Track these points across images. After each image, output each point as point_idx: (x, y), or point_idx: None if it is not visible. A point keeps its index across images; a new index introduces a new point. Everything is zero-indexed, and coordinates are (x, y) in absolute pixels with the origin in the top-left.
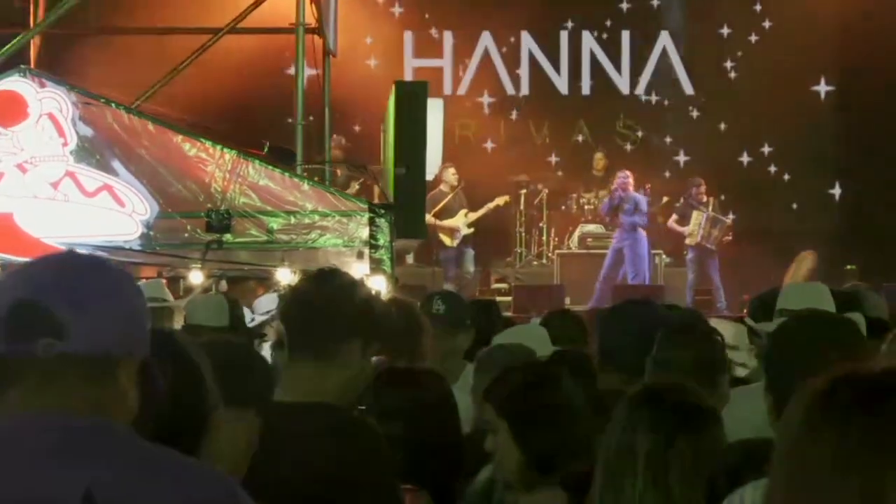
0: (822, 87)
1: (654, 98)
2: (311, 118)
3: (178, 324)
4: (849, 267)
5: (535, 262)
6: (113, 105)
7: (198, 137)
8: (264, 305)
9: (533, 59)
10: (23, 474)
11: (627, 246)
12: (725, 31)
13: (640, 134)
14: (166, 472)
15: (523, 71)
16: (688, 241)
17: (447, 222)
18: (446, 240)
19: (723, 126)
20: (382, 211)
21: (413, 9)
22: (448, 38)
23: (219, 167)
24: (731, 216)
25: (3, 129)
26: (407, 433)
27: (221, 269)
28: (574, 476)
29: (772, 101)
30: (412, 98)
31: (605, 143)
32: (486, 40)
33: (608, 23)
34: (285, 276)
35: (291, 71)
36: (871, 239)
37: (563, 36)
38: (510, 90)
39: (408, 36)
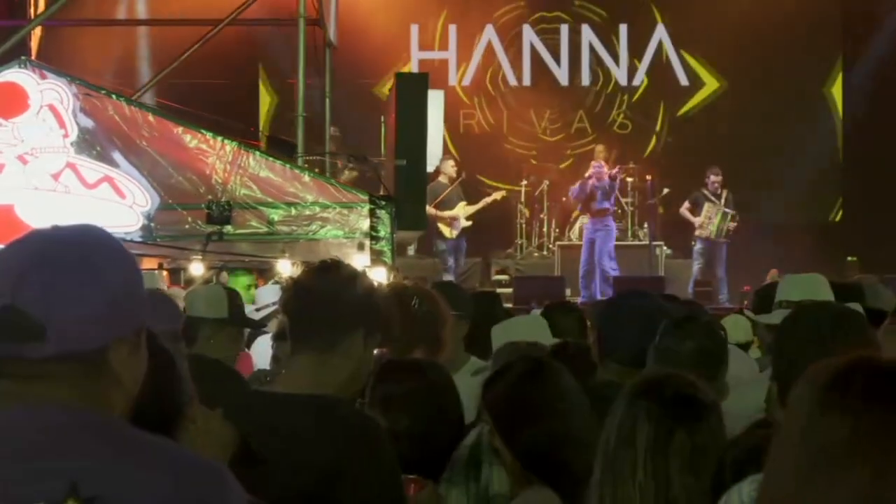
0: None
1: (650, 88)
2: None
3: None
4: (850, 259)
5: (535, 254)
6: (114, 96)
7: (198, 129)
8: (265, 296)
9: (534, 51)
10: (8, 469)
11: (600, 238)
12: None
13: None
14: (154, 461)
15: (525, 63)
16: (698, 232)
17: (448, 213)
18: (446, 231)
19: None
20: (383, 202)
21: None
22: (452, 31)
23: (219, 158)
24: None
25: (3, 121)
26: (409, 423)
27: (222, 261)
28: (566, 475)
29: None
30: (413, 89)
31: (604, 133)
32: (489, 33)
33: (605, 15)
34: (286, 268)
35: None
36: (870, 231)
37: (564, 29)
38: (512, 81)
39: (414, 29)
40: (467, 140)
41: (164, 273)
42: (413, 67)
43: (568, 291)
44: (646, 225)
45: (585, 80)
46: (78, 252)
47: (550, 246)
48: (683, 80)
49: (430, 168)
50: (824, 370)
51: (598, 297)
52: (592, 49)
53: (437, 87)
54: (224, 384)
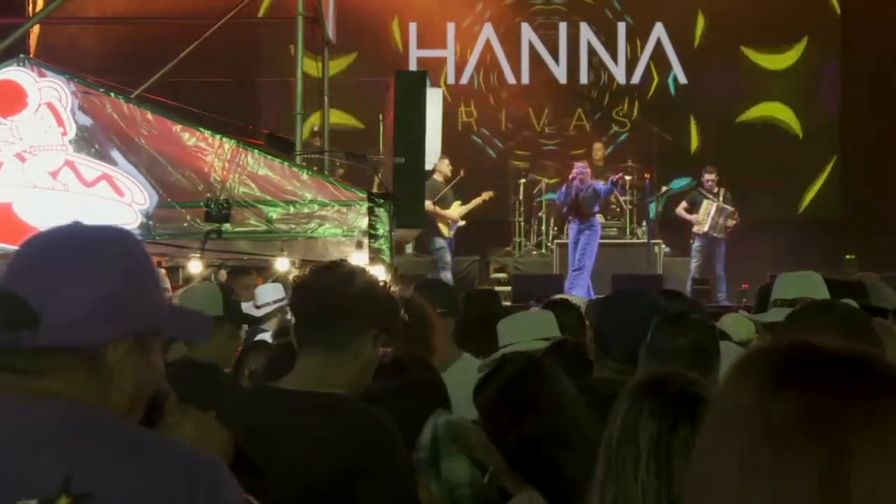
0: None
1: (650, 86)
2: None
3: None
4: (848, 256)
5: (534, 252)
6: (112, 94)
7: (197, 127)
8: (266, 294)
9: (532, 49)
10: (2, 464)
11: (585, 236)
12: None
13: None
14: (149, 457)
15: (523, 60)
16: (695, 229)
17: (448, 212)
18: (444, 230)
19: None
20: (381, 200)
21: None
22: (451, 28)
23: (218, 156)
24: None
25: (2, 119)
26: (395, 418)
27: (221, 259)
28: (556, 478)
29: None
30: (412, 87)
31: (602, 131)
32: (487, 31)
33: (605, 13)
34: (284, 266)
35: None
36: (868, 228)
37: (562, 27)
38: (511, 79)
39: (412, 27)
40: (464, 138)
41: (163, 271)
42: (411, 66)
43: (566, 289)
44: (644, 223)
45: (584, 77)
46: (85, 250)
47: (549, 244)
48: (682, 79)
49: (428, 166)
50: (775, 350)
51: (591, 295)
52: (591, 47)
53: (436, 85)
54: (214, 387)
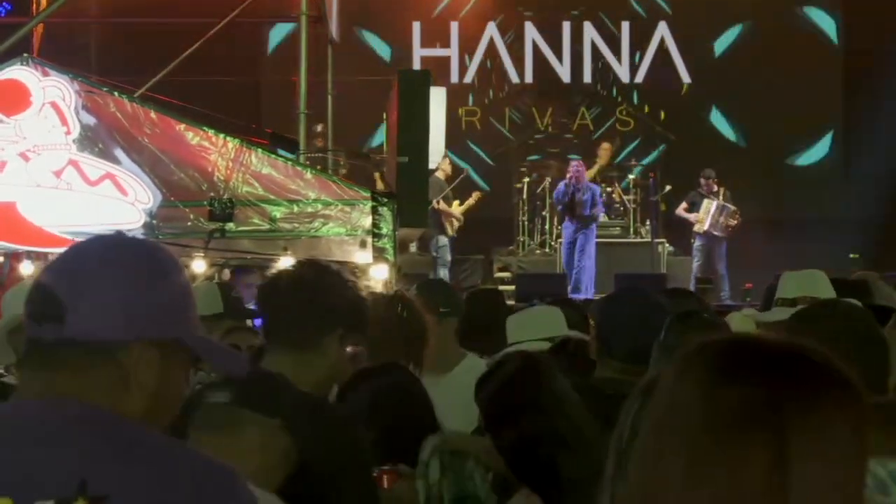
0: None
1: (654, 85)
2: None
3: None
4: (853, 255)
5: (537, 251)
6: (115, 93)
7: (200, 126)
8: None
9: (536, 49)
10: (20, 462)
11: (583, 236)
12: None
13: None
14: (163, 462)
15: (527, 60)
16: (696, 228)
17: (453, 210)
18: (449, 228)
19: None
20: (385, 199)
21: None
22: (454, 27)
23: (221, 156)
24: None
25: (5, 118)
26: (371, 419)
27: (224, 258)
28: (554, 478)
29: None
30: (415, 86)
31: (607, 131)
32: (490, 30)
33: (609, 13)
34: (288, 265)
35: None
36: (871, 228)
37: (566, 26)
38: (515, 79)
39: (416, 26)
40: (467, 136)
41: None
42: (415, 65)
43: (569, 288)
44: (648, 222)
45: (588, 77)
46: (121, 256)
47: (552, 243)
48: (686, 78)
49: (432, 165)
50: (715, 346)
51: (582, 295)
52: (595, 46)
53: (439, 84)
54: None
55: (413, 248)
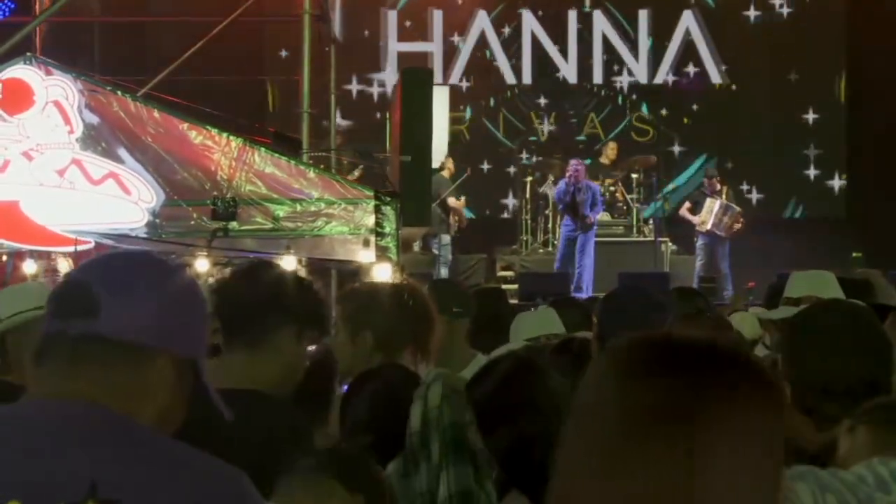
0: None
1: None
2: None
3: None
4: (855, 254)
5: (540, 250)
6: (119, 92)
7: (204, 125)
8: None
9: (536, 42)
10: (32, 462)
11: (583, 236)
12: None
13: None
14: (173, 465)
15: (525, 57)
16: (698, 227)
17: (461, 207)
18: (454, 225)
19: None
20: (388, 198)
21: None
22: (437, 17)
23: (225, 155)
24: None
25: (9, 117)
26: (371, 419)
27: (227, 257)
28: (545, 481)
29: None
30: (419, 86)
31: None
32: (482, 21)
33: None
34: (291, 264)
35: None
36: (874, 226)
37: (572, 16)
38: (511, 80)
39: (391, 16)
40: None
41: None
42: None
43: (572, 287)
44: (651, 221)
45: (598, 77)
46: (155, 265)
47: (555, 242)
48: (715, 78)
49: (435, 164)
50: (631, 344)
51: (584, 294)
52: (606, 40)
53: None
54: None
55: (416, 247)
